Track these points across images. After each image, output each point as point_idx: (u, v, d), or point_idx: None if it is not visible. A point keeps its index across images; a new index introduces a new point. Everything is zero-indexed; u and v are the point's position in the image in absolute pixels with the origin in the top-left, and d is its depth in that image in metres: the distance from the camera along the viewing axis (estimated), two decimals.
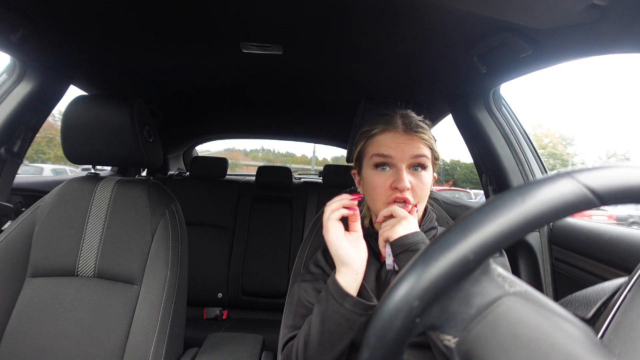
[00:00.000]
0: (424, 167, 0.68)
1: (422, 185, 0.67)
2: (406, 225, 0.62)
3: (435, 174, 0.73)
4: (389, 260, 0.65)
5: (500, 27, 0.82)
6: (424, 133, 0.69)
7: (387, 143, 0.68)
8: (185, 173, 2.52)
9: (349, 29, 0.93)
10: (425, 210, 0.74)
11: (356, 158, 0.75)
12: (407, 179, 0.66)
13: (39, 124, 1.25)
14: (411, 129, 0.69)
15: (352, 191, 0.73)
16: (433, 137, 0.72)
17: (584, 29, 0.72)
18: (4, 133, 1.12)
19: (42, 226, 0.94)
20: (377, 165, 0.68)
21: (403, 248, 0.61)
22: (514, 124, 1.26)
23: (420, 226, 0.69)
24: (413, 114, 0.72)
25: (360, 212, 0.69)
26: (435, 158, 0.72)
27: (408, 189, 0.65)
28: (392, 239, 0.62)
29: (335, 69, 1.25)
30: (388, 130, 0.69)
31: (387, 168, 0.68)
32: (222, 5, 0.84)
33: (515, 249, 1.16)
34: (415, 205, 0.67)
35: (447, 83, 1.26)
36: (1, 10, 0.84)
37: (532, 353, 0.21)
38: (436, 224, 0.76)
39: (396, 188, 0.65)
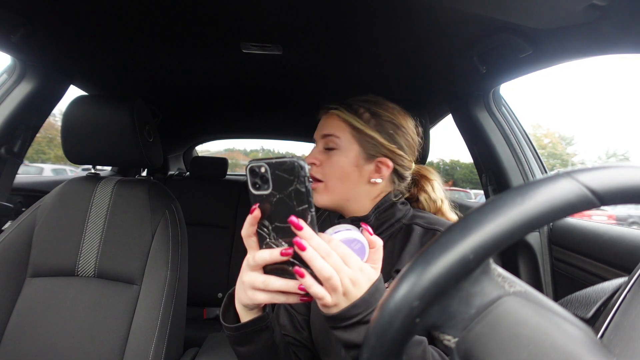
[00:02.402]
0: (333, 148, 0.67)
1: (329, 165, 0.67)
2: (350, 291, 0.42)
3: (387, 161, 0.67)
4: None
5: (500, 27, 0.82)
6: (340, 110, 0.67)
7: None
8: (185, 173, 2.52)
9: (349, 29, 0.93)
10: (384, 201, 0.67)
11: None
12: (315, 155, 0.68)
13: (39, 124, 1.25)
14: (329, 107, 0.69)
15: None
16: (389, 122, 0.67)
17: (584, 29, 0.72)
18: (4, 133, 1.12)
19: (42, 226, 0.94)
20: None
21: (346, 323, 0.42)
22: (514, 124, 1.26)
23: (368, 215, 0.66)
24: (365, 97, 0.71)
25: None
26: (363, 136, 0.66)
27: (311, 165, 0.67)
28: (329, 314, 0.43)
29: (335, 69, 1.25)
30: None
31: None
32: (222, 5, 0.84)
33: (515, 249, 1.16)
34: (320, 181, 0.67)
35: (447, 83, 1.26)
36: (1, 10, 0.84)
37: (532, 353, 0.21)
38: (401, 207, 0.69)
39: None
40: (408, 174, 0.72)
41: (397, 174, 0.70)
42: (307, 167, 0.40)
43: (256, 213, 0.41)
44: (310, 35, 0.98)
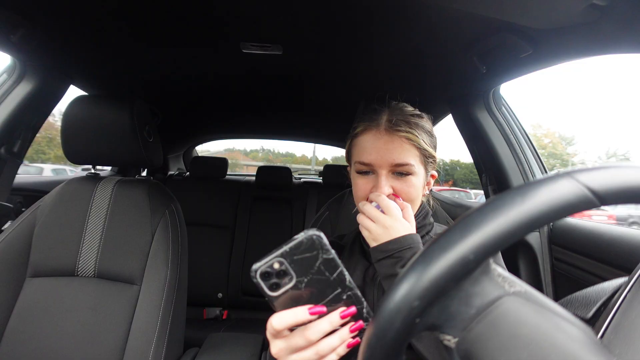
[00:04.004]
0: (407, 173, 0.62)
1: (408, 190, 0.62)
2: (383, 232, 0.57)
3: (433, 172, 0.68)
4: None
5: (500, 27, 0.82)
6: (409, 132, 0.62)
7: (367, 147, 0.63)
8: (185, 173, 2.52)
9: (349, 29, 0.93)
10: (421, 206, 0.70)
11: (347, 158, 0.72)
12: (388, 184, 0.62)
13: (39, 124, 1.25)
14: (393, 128, 0.62)
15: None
16: (428, 132, 0.65)
17: (584, 29, 0.72)
18: (4, 133, 1.12)
19: (42, 226, 0.94)
20: (359, 172, 0.65)
21: (383, 255, 0.57)
22: (513, 124, 1.26)
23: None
24: (405, 107, 0.66)
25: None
26: (426, 156, 0.64)
27: (388, 195, 0.62)
28: (371, 246, 0.59)
29: (335, 69, 1.25)
30: (369, 130, 0.64)
31: (370, 173, 0.64)
32: (222, 5, 0.84)
33: (515, 249, 1.16)
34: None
35: (447, 83, 1.26)
36: (1, 10, 0.84)
37: (532, 353, 0.21)
38: (431, 219, 0.72)
39: None
40: None
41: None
42: (322, 235, 0.36)
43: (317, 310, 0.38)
44: (310, 35, 0.98)
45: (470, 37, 0.90)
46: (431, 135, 0.66)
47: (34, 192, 1.53)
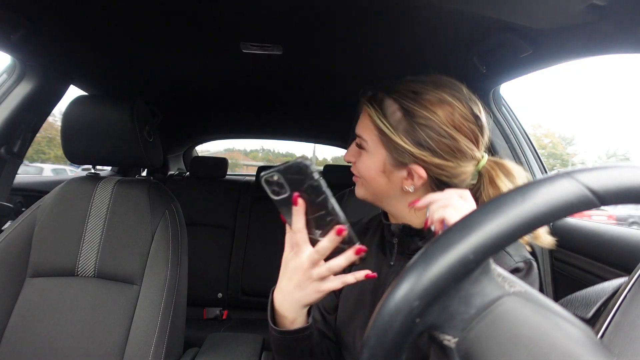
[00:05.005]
0: (361, 147, 0.61)
1: (357, 165, 0.62)
2: (452, 211, 0.48)
3: (416, 167, 0.57)
4: None
5: (500, 27, 0.82)
6: (369, 106, 0.59)
7: None
8: (185, 173, 2.52)
9: (349, 29, 0.93)
10: None
11: None
12: (351, 152, 0.64)
13: (39, 124, 1.25)
14: (364, 97, 0.62)
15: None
16: (407, 113, 0.56)
17: (584, 29, 0.72)
18: (4, 133, 1.11)
19: (42, 226, 0.94)
20: None
21: None
22: (514, 124, 1.26)
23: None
24: (399, 83, 0.61)
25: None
26: (386, 138, 0.57)
27: (349, 162, 0.65)
28: (449, 222, 0.48)
29: (335, 69, 1.25)
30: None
31: None
32: (222, 6, 0.84)
33: None
34: (357, 177, 0.64)
35: None
36: (1, 10, 0.84)
37: (532, 353, 0.21)
38: None
39: None
40: (461, 180, 0.59)
41: (438, 181, 0.59)
42: (312, 165, 0.45)
43: (300, 202, 0.46)
44: (310, 35, 0.98)
45: (470, 37, 0.90)
46: (432, 130, 0.55)
47: (34, 192, 1.54)
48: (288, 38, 1.01)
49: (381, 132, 0.57)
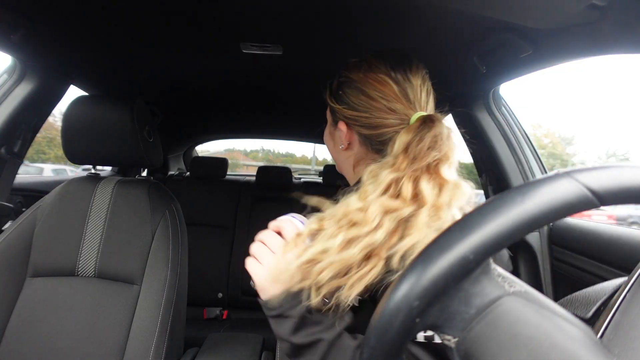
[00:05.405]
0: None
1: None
2: (253, 264, 0.53)
3: (341, 125, 0.61)
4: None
5: (500, 27, 0.82)
6: (330, 83, 0.67)
7: None
8: (185, 173, 2.52)
9: (349, 29, 0.93)
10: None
11: None
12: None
13: (40, 124, 1.25)
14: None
15: None
16: (342, 77, 0.63)
17: (584, 29, 0.72)
18: (5, 133, 1.12)
19: (43, 226, 0.94)
20: None
21: (269, 313, 0.49)
22: (513, 124, 1.26)
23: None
24: (375, 54, 0.63)
25: None
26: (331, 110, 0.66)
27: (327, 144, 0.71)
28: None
29: (335, 69, 1.25)
30: None
31: None
32: (222, 6, 0.84)
33: (515, 249, 1.16)
34: None
35: (447, 83, 1.26)
36: (1, 10, 0.84)
37: (532, 353, 0.21)
38: None
39: None
40: (385, 138, 0.57)
41: (365, 139, 0.59)
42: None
43: None
44: (311, 35, 0.98)
45: (470, 37, 0.90)
46: (339, 82, 0.64)
47: (34, 192, 1.54)
48: (288, 38, 1.01)
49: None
